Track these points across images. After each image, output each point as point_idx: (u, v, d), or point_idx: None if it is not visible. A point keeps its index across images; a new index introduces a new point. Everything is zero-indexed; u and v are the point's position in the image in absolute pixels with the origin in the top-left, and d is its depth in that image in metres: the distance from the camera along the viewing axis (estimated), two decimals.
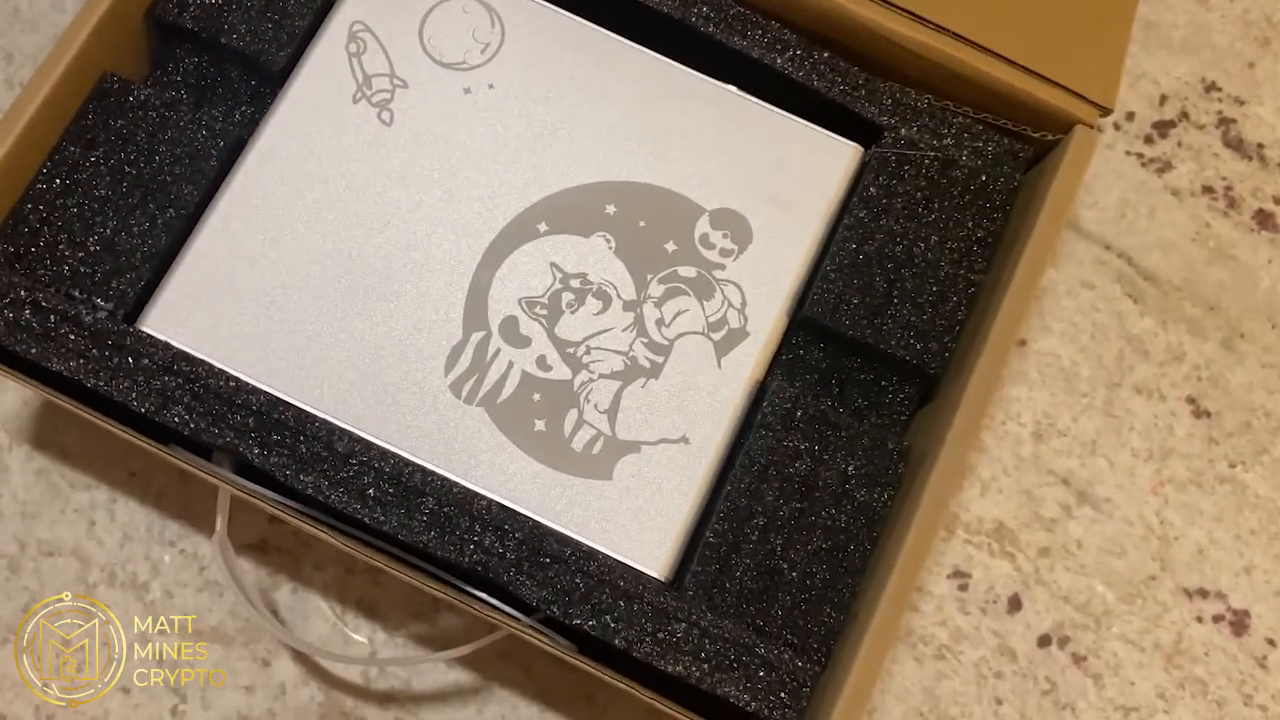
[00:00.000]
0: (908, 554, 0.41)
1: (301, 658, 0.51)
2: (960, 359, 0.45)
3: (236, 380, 0.43)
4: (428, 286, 0.44)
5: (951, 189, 0.47)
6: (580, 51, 0.48)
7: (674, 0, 0.48)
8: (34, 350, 0.42)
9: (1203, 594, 0.54)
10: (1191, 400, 0.56)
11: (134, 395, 0.42)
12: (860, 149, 0.47)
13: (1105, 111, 0.47)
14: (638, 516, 0.43)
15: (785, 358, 0.46)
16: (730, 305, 0.45)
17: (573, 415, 0.44)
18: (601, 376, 0.44)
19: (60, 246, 0.44)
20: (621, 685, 0.41)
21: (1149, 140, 0.60)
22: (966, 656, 0.52)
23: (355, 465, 0.42)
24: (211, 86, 0.49)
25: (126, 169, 0.45)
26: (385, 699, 0.50)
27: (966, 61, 0.47)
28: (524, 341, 0.44)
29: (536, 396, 0.44)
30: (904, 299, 0.46)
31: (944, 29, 0.47)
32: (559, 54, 0.47)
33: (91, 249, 0.44)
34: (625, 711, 0.51)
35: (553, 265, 0.45)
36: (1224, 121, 0.60)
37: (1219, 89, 0.61)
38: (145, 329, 0.43)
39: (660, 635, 0.41)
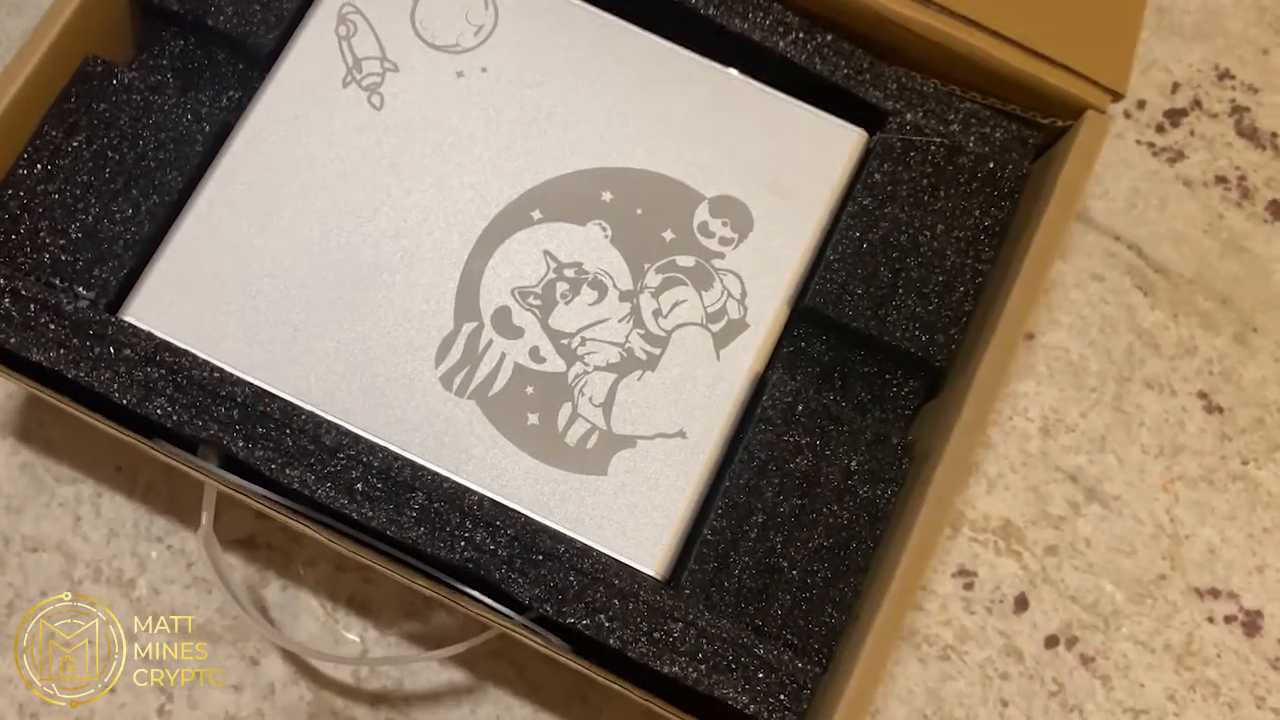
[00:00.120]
0: (912, 552, 0.40)
1: (291, 656, 0.50)
2: (966, 352, 0.44)
3: (221, 371, 0.42)
4: (418, 276, 0.43)
5: (958, 176, 0.46)
6: (576, 34, 0.46)
7: None
8: (13, 340, 0.42)
9: (1214, 594, 0.52)
10: (1203, 395, 0.55)
11: (115, 387, 0.41)
12: (865, 134, 0.46)
13: (1117, 96, 0.45)
14: (633, 513, 0.42)
15: (786, 350, 0.45)
16: (730, 296, 0.44)
17: (567, 409, 0.42)
18: (596, 369, 0.43)
19: (41, 233, 0.43)
20: (616, 686, 0.40)
21: (1160, 129, 0.59)
22: (972, 657, 0.51)
23: (343, 459, 0.41)
24: (197, 70, 0.48)
25: (109, 154, 0.44)
26: (376, 699, 0.49)
27: (974, 45, 0.46)
28: (517, 333, 0.43)
29: (529, 389, 0.43)
30: (909, 289, 0.45)
31: (950, 11, 0.46)
32: (554, 36, 0.46)
33: (73, 236, 0.43)
34: (621, 712, 0.50)
35: (547, 254, 0.44)
36: (1237, 110, 0.59)
37: (1232, 77, 0.59)
38: (127, 319, 0.42)
39: (656, 635, 0.40)
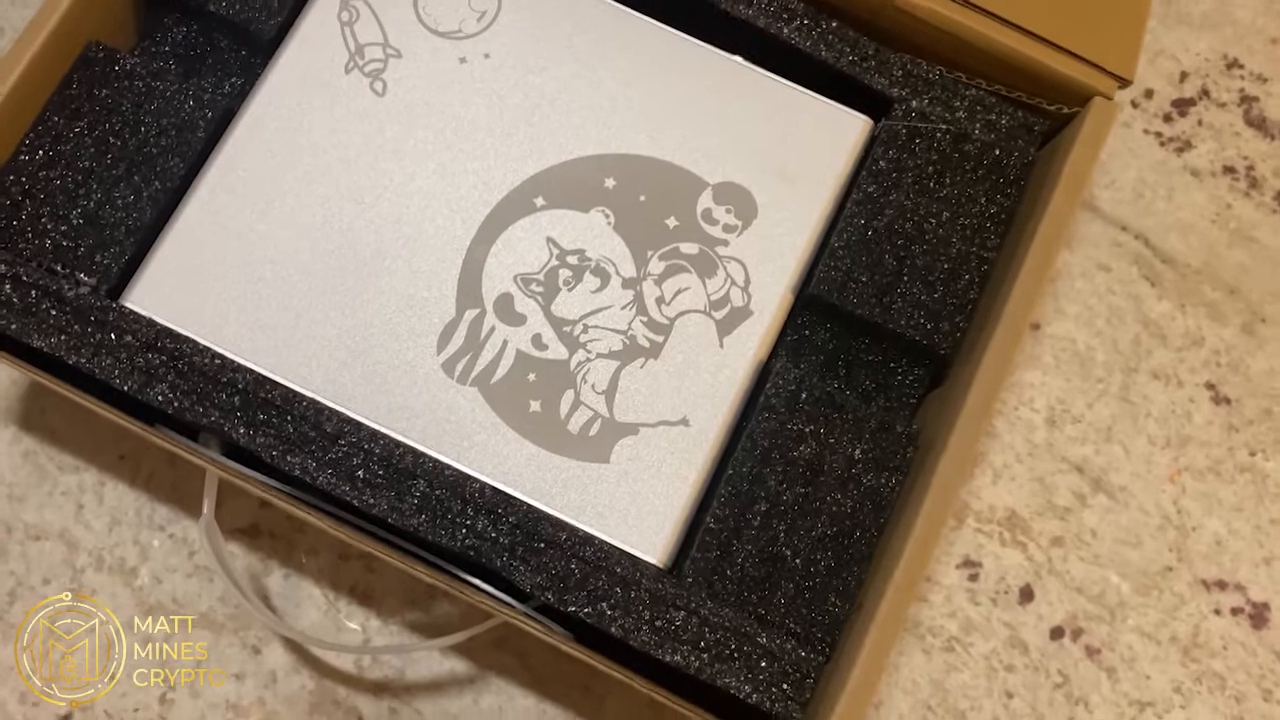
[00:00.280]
0: (916, 542, 0.40)
1: (293, 645, 0.50)
2: (972, 340, 0.44)
3: (222, 358, 0.42)
4: (420, 262, 0.43)
5: (964, 163, 0.46)
6: (579, 20, 0.46)
7: None
8: (14, 326, 0.41)
9: (1221, 586, 0.52)
10: (1210, 386, 0.55)
11: (116, 373, 0.41)
12: (869, 121, 0.46)
13: (1124, 83, 0.45)
14: (636, 501, 0.41)
15: (790, 337, 0.45)
16: (733, 283, 0.44)
17: (569, 396, 0.42)
18: (599, 356, 0.43)
19: (42, 219, 0.43)
20: (618, 675, 0.40)
21: (1168, 119, 0.58)
22: (976, 649, 0.51)
23: (344, 446, 0.41)
24: (200, 56, 0.47)
25: (111, 140, 0.44)
26: (378, 688, 0.49)
27: (980, 31, 0.45)
28: (519, 320, 0.43)
29: (532, 376, 0.42)
30: (914, 277, 0.44)
31: None
32: (557, 23, 0.46)
33: (74, 222, 0.43)
34: (623, 700, 0.50)
35: (550, 241, 0.44)
36: (1246, 100, 0.58)
37: (1241, 66, 0.59)
38: (129, 305, 0.42)
39: (658, 623, 0.40)
